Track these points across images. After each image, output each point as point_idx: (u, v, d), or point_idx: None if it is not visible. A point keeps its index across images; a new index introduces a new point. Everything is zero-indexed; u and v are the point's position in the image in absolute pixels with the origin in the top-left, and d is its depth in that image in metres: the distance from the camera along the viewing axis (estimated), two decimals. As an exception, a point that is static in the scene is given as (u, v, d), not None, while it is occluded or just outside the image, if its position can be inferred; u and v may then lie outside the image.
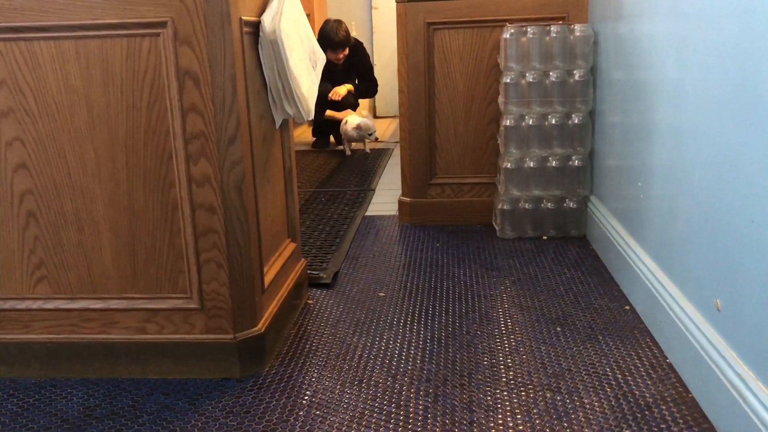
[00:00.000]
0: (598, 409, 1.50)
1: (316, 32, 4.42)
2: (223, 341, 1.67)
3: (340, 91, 4.70)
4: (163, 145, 1.57)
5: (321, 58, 1.97)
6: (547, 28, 2.60)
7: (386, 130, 5.79)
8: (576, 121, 2.62)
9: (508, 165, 2.67)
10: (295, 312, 2.05)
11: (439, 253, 2.57)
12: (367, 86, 4.94)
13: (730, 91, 1.36)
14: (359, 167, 4.23)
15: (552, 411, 1.50)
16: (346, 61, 4.74)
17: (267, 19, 1.71)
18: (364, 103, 4.96)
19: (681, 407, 1.49)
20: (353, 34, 5.10)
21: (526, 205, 2.70)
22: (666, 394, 1.54)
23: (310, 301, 2.16)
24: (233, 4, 1.53)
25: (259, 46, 1.73)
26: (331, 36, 4.50)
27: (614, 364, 1.69)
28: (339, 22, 4.58)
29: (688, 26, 1.61)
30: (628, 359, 1.71)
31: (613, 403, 1.52)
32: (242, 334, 1.68)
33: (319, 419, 1.50)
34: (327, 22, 4.61)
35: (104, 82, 1.55)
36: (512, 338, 1.85)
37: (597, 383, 1.60)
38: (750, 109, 1.27)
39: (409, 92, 2.86)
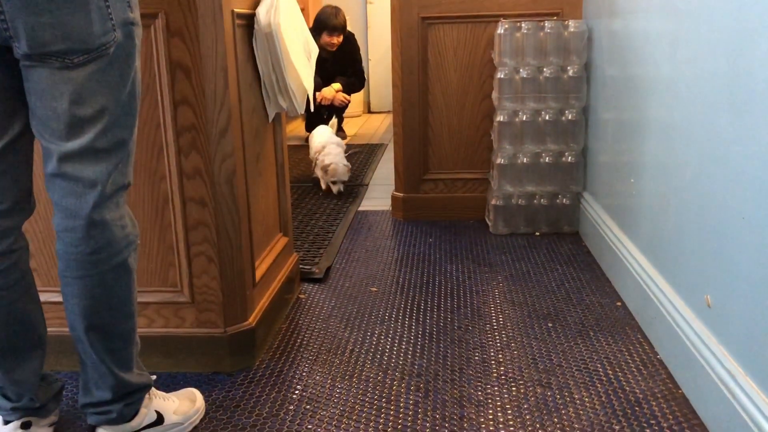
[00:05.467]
0: (588, 404, 1.50)
1: (310, 25, 4.43)
2: (214, 335, 1.66)
3: (327, 94, 4.70)
4: (154, 138, 1.56)
5: (314, 50, 1.96)
6: (542, 23, 2.60)
7: (380, 125, 5.78)
8: (569, 117, 2.62)
9: (502, 161, 2.67)
10: (286, 306, 2.04)
11: (431, 249, 2.57)
12: (354, 81, 4.94)
13: (722, 87, 1.36)
14: (352, 162, 4.21)
15: (542, 406, 1.50)
16: (338, 52, 4.74)
17: (262, 12, 1.70)
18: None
19: (671, 403, 1.49)
20: (347, 27, 5.09)
21: (519, 201, 2.70)
22: (656, 390, 1.55)
23: (302, 296, 2.15)
24: (225, -5, 1.52)
25: (253, 39, 1.72)
26: (330, 19, 4.55)
27: (605, 360, 1.69)
28: (337, 8, 4.64)
29: (682, 23, 1.61)
30: (619, 355, 1.71)
31: (603, 398, 1.52)
32: (233, 328, 1.67)
33: (310, 413, 1.50)
34: (325, 6, 4.66)
35: (95, 73, 1.54)
36: (503, 334, 1.85)
37: (588, 379, 1.60)
38: (742, 106, 1.27)
39: (403, 87, 2.85)
